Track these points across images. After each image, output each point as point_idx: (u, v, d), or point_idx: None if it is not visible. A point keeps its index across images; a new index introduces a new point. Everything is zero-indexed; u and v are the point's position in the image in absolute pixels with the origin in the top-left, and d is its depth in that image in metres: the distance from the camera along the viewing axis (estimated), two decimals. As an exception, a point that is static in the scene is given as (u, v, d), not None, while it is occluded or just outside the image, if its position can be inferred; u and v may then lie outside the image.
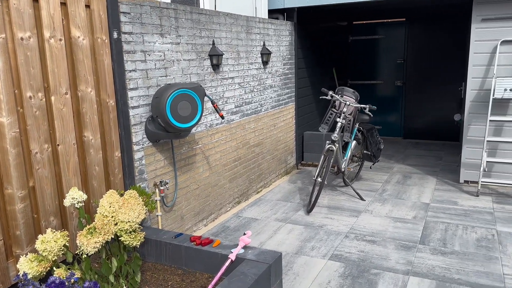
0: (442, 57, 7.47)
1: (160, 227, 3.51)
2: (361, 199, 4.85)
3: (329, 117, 4.71)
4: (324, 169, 4.51)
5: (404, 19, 7.66)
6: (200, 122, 3.93)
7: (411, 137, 8.01)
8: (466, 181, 5.28)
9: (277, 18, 5.60)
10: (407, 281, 3.08)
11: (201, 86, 3.37)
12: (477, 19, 4.86)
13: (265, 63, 5.03)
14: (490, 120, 4.86)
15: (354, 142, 5.09)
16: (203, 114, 3.97)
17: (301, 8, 5.69)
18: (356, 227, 4.08)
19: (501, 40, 4.78)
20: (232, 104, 4.44)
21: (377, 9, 6.95)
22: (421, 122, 7.87)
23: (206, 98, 3.93)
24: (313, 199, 4.49)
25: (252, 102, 4.84)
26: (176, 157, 3.65)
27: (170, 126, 3.15)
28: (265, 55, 4.96)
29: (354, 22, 8.08)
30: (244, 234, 2.67)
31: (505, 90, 4.73)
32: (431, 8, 6.98)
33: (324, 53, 7.07)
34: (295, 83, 5.93)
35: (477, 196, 4.82)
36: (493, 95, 4.77)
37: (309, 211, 4.47)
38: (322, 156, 4.56)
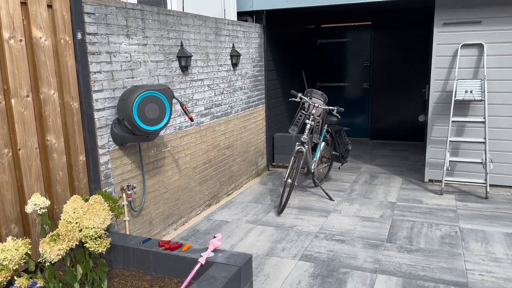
0: (407, 60, 7.70)
1: (127, 233, 3.43)
2: (330, 199, 4.92)
3: (299, 119, 4.76)
4: (294, 170, 4.55)
5: (370, 23, 7.85)
6: (168, 125, 3.88)
7: (378, 138, 8.21)
8: (430, 180, 5.46)
9: (246, 21, 5.61)
10: (375, 279, 3.14)
11: (169, 88, 3.33)
12: (439, 23, 5.04)
13: (234, 65, 5.03)
14: (452, 121, 5.05)
15: (323, 143, 5.17)
16: (172, 117, 3.92)
17: (270, 11, 5.73)
18: (325, 227, 4.13)
19: (461, 44, 4.97)
20: (201, 106, 4.41)
21: (344, 12, 7.10)
22: (388, 123, 8.08)
23: (174, 100, 3.89)
24: (283, 200, 4.52)
25: (222, 104, 4.83)
26: (144, 161, 3.59)
27: (137, 128, 3.09)
28: (235, 57, 4.95)
29: (322, 26, 8.21)
30: (214, 237, 2.65)
31: (466, 92, 4.92)
32: (396, 12, 7.20)
33: (294, 55, 7.15)
34: (265, 85, 5.96)
35: (441, 194, 4.99)
36: (455, 97, 4.96)
37: (280, 212, 4.49)
38: (292, 158, 4.60)
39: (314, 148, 5.17)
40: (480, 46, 4.91)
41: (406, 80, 7.77)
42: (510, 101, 4.88)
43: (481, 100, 4.88)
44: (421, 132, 7.80)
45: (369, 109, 8.18)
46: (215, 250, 2.64)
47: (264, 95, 5.95)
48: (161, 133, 3.79)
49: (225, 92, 4.87)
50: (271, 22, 6.03)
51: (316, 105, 4.71)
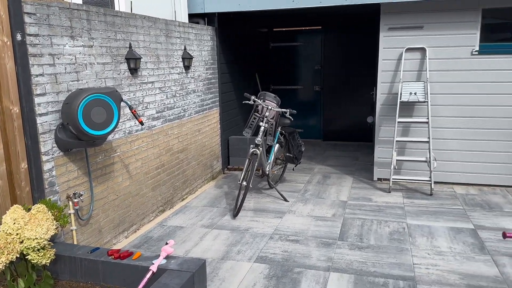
0: (356, 63, 7.97)
1: (75, 242, 3.28)
2: (285, 200, 4.98)
3: (252, 121, 4.78)
4: (249, 173, 4.56)
5: (320, 27, 8.05)
6: (117, 129, 3.75)
7: (330, 139, 8.42)
8: (379, 179, 5.67)
9: (197, 23, 5.56)
10: (328, 277, 3.21)
11: (117, 91, 3.22)
12: (384, 28, 5.25)
13: (187, 67, 4.96)
14: (398, 122, 5.27)
15: (277, 145, 5.22)
16: (121, 120, 3.80)
17: (222, 14, 5.72)
18: (280, 228, 4.17)
19: (405, 48, 5.22)
20: (153, 109, 4.31)
21: (295, 17, 7.23)
22: (339, 124, 8.31)
23: (123, 104, 3.77)
24: (239, 203, 4.51)
25: (175, 107, 4.75)
26: (91, 167, 3.44)
27: (83, 133, 2.97)
28: (187, 59, 4.89)
29: (274, 29, 8.31)
30: (166, 243, 2.59)
31: (411, 93, 5.16)
32: (345, 17, 7.43)
33: (247, 58, 7.18)
34: (219, 88, 5.94)
35: (389, 192, 5.20)
36: (400, 99, 5.19)
37: (235, 215, 4.48)
38: (247, 160, 4.61)
39: (268, 150, 5.21)
40: (422, 50, 5.17)
41: (356, 83, 8.03)
42: (451, 102, 5.18)
43: (424, 102, 5.14)
44: (370, 133, 8.08)
45: (321, 111, 8.37)
46: (167, 257, 2.58)
47: (218, 98, 5.93)
48: (110, 137, 3.65)
49: (177, 95, 4.79)
50: (224, 24, 6.02)
51: (270, 107, 4.75)
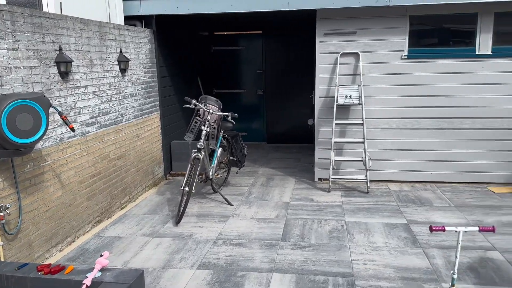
0: (296, 67, 8.16)
1: (2, 259, 3.03)
2: (229, 204, 4.97)
3: (194, 125, 4.73)
4: (191, 178, 4.50)
5: (260, 32, 8.16)
6: (47, 136, 3.54)
7: (274, 141, 8.54)
8: (319, 179, 5.84)
9: (134, 25, 5.41)
10: (271, 279, 3.24)
11: (45, 96, 3.04)
12: (320, 33, 5.43)
13: (123, 70, 4.80)
14: (335, 124, 5.47)
15: (220, 149, 5.20)
16: (51, 127, 3.58)
17: (160, 16, 5.60)
18: (224, 232, 4.15)
19: (340, 53, 5.43)
20: (86, 115, 4.11)
21: (235, 21, 7.26)
22: (282, 127, 8.46)
23: (52, 109, 3.56)
24: (181, 209, 4.43)
25: (111, 112, 4.57)
26: (18, 177, 3.21)
27: (8, 142, 2.76)
28: (123, 62, 4.73)
29: (215, 33, 8.30)
30: (101, 255, 2.48)
31: (346, 96, 5.38)
32: (283, 22, 7.59)
33: (189, 62, 7.09)
34: (159, 92, 5.80)
35: (329, 191, 5.37)
36: (337, 102, 5.38)
37: (177, 222, 4.39)
38: (189, 165, 4.54)
39: (211, 154, 5.18)
40: (356, 54, 5.41)
41: (297, 86, 8.22)
42: (383, 104, 5.46)
43: (359, 104, 5.38)
44: (311, 135, 8.31)
45: (264, 115, 8.47)
46: (102, 269, 2.46)
47: (158, 102, 5.79)
48: (38, 145, 3.43)
49: (113, 99, 4.62)
50: (163, 27, 5.90)
51: (211, 111, 4.73)
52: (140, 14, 5.43)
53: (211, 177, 4.99)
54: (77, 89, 3.95)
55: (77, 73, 3.95)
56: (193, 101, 4.67)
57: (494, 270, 3.30)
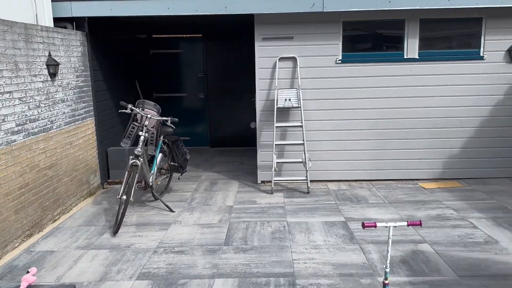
0: (238, 71, 8.19)
1: None
2: (171, 211, 4.86)
3: (131, 131, 4.57)
4: (129, 186, 4.34)
5: (201, 35, 8.10)
6: (-35, 147, 3.25)
7: (218, 145, 8.50)
8: (263, 181, 5.90)
9: (65, 27, 5.14)
10: (213, 284, 3.21)
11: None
12: (259, 37, 5.50)
13: (52, 75, 4.54)
14: (276, 126, 5.55)
15: (160, 155, 5.07)
16: (-30, 137, 3.30)
17: (93, 18, 5.37)
18: (165, 240, 4.05)
19: (279, 57, 5.53)
20: (12, 122, 3.83)
21: (173, 23, 7.15)
22: (225, 131, 8.45)
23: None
24: (119, 219, 4.26)
25: (40, 119, 4.30)
26: None
27: None
28: (52, 66, 4.47)
29: (154, 36, 8.11)
30: (28, 272, 2.31)
31: (286, 100, 5.48)
32: (223, 26, 7.59)
33: (126, 65, 6.86)
34: (93, 97, 5.55)
35: (272, 193, 5.43)
36: (277, 105, 5.47)
37: (115, 232, 4.22)
38: (126, 172, 4.39)
39: (151, 160, 5.03)
40: (294, 59, 5.54)
41: (239, 90, 8.25)
42: (321, 107, 5.63)
43: (298, 107, 5.51)
44: (254, 138, 8.37)
45: (207, 119, 8.41)
46: (29, 286, 2.30)
47: (92, 107, 5.54)
48: (-45, 157, 3.14)
49: (42, 105, 4.34)
50: (96, 30, 5.66)
51: (149, 116, 4.60)
52: (71, 16, 5.17)
53: (151, 184, 4.85)
54: (1, 95, 3.67)
55: (1, 78, 3.67)
56: (129, 105, 4.52)
57: (424, 262, 3.51)
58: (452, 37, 5.51)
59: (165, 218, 4.64)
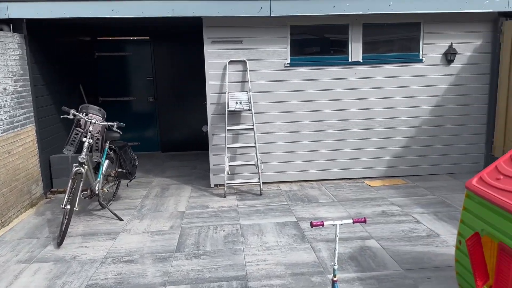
0: (188, 74, 8.09)
1: None
2: (119, 219, 4.70)
3: (74, 137, 4.38)
4: (74, 195, 4.15)
5: (148, 38, 7.93)
6: None
7: (169, 150, 8.35)
8: (216, 185, 5.86)
9: (1, 29, 4.83)
10: (164, 292, 3.14)
11: None
12: (208, 40, 5.47)
13: (-14, 80, 4.25)
14: (228, 130, 5.55)
15: (106, 162, 4.90)
16: None
17: (32, 20, 5.09)
18: (113, 250, 3.90)
19: (229, 60, 5.53)
20: None
21: (119, 26, 6.95)
22: (177, 135, 8.32)
23: None
24: (63, 230, 4.06)
25: (-28, 127, 4.00)
26: None
27: None
28: (-14, 70, 4.19)
29: (98, 38, 7.84)
30: (-43, 292, 2.14)
31: (237, 103, 5.49)
32: (172, 28, 7.47)
33: (68, 69, 6.57)
34: (34, 102, 5.26)
35: (225, 197, 5.42)
36: (228, 108, 5.47)
37: (59, 244, 4.01)
38: (70, 181, 4.19)
39: (97, 167, 4.85)
40: (244, 62, 5.56)
41: (190, 93, 8.15)
42: (271, 109, 5.70)
43: (249, 110, 5.54)
44: (206, 141, 8.30)
45: (158, 123, 8.24)
46: (-41, 309, 2.13)
47: (33, 113, 5.24)
48: None
49: (-25, 112, 4.05)
50: (36, 32, 5.37)
51: (93, 121, 4.43)
52: (7, 17, 4.87)
53: (97, 192, 4.67)
54: None
55: None
56: (72, 110, 4.33)
57: (372, 258, 3.64)
58: (394, 41, 5.79)
59: (113, 227, 4.48)
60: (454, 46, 5.74)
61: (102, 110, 4.64)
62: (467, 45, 5.77)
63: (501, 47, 5.67)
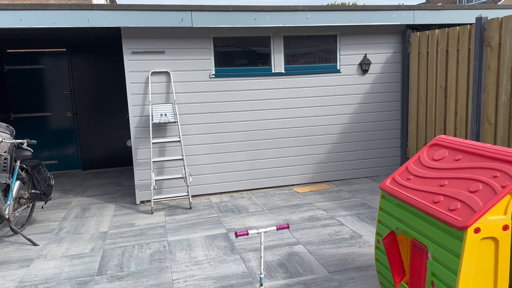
0: (109, 87, 7.74)
1: None
2: (34, 244, 4.31)
3: (-23, 158, 3.96)
4: (-23, 221, 3.73)
5: (65, 49, 7.48)
6: None
7: (91, 167, 7.89)
8: (142, 202, 5.63)
9: None
10: (83, 321, 2.90)
11: None
12: (127, 51, 5.28)
13: None
14: (153, 143, 5.37)
15: (17, 183, 4.48)
16: None
17: None
18: (26, 279, 3.56)
19: (151, 71, 5.38)
20: None
21: (28, 37, 6.47)
22: (99, 151, 7.89)
23: None
24: (-35, 262, 3.62)
25: None
26: None
27: None
28: None
29: (8, 50, 7.23)
30: None
31: (162, 115, 5.34)
32: (91, 39, 7.13)
33: (-29, 83, 5.96)
34: None
35: (152, 213, 5.21)
36: (152, 120, 5.30)
37: (-40, 278, 3.57)
38: (-27, 206, 3.76)
39: (7, 189, 4.41)
40: (167, 73, 5.45)
41: (112, 106, 7.80)
42: (197, 121, 5.63)
43: (174, 122, 5.41)
44: (130, 156, 7.98)
45: (77, 139, 7.76)
46: None
47: None
48: None
49: None
50: None
51: (0, 139, 4.04)
52: None
53: (7, 216, 4.24)
54: None
55: None
56: (-26, 129, 3.92)
57: (299, 263, 3.70)
58: (314, 52, 6.03)
59: (27, 254, 4.09)
60: (368, 56, 6.13)
61: (10, 127, 4.26)
62: (379, 56, 6.19)
63: (409, 57, 6.17)
